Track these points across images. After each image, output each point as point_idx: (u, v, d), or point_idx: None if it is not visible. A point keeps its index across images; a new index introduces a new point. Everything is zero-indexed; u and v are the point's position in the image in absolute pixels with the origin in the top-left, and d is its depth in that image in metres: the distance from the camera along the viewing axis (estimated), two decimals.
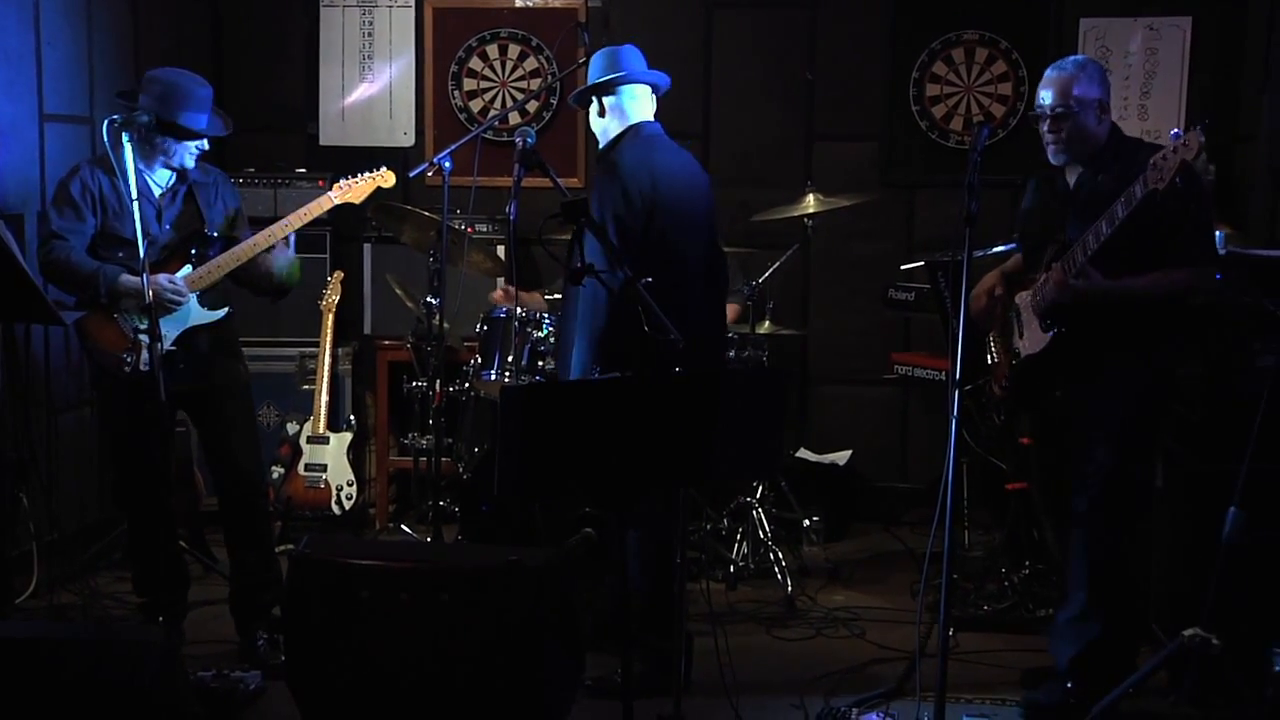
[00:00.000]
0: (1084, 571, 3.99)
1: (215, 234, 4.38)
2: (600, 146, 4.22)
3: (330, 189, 4.58)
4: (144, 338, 4.17)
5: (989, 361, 4.21)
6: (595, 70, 4.21)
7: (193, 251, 4.33)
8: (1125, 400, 3.87)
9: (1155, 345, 3.88)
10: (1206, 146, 3.64)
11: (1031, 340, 3.98)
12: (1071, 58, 3.96)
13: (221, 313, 4.41)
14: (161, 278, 4.21)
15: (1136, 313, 3.83)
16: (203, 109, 4.28)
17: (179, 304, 4.27)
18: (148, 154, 4.28)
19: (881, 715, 3.98)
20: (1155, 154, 3.54)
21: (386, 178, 4.63)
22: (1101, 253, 3.71)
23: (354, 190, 4.57)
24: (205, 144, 4.34)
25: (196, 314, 4.36)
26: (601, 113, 4.18)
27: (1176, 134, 3.54)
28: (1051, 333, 3.89)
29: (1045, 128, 3.87)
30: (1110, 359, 3.87)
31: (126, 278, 4.23)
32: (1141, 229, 3.70)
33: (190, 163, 4.33)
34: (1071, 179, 3.96)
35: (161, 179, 4.36)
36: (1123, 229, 3.64)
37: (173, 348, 4.30)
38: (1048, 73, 3.91)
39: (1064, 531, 4.18)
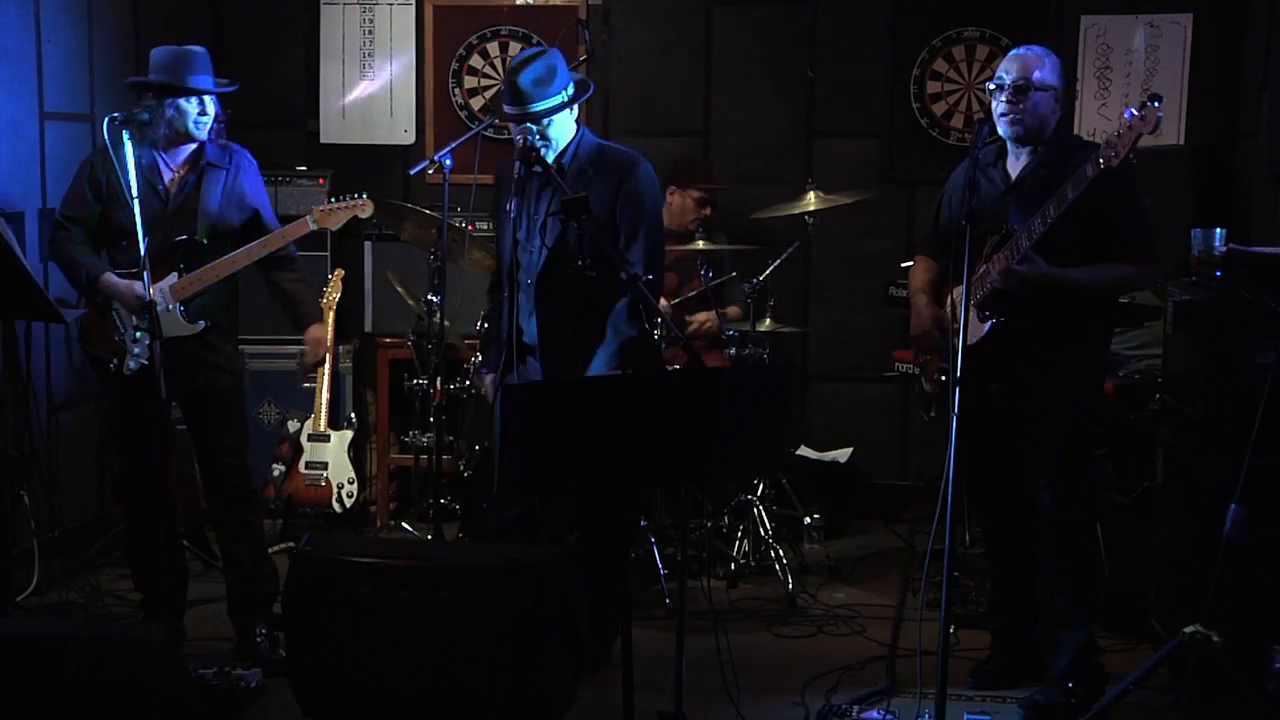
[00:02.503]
0: (1058, 571, 4.02)
1: (206, 240, 4.33)
2: (565, 147, 4.05)
3: (311, 213, 4.49)
4: (130, 342, 4.25)
5: (922, 357, 4.21)
6: (561, 73, 4.01)
7: (181, 264, 4.30)
8: (1070, 391, 3.94)
9: (1092, 334, 3.99)
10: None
11: (970, 331, 3.96)
12: (1037, 45, 4.01)
13: (199, 326, 4.34)
14: (137, 286, 4.11)
15: (1074, 304, 3.89)
16: (205, 70, 4.29)
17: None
18: (158, 136, 4.27)
19: (882, 713, 3.98)
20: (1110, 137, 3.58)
21: (365, 208, 4.57)
22: (1046, 241, 3.75)
23: (332, 216, 4.50)
24: (208, 106, 4.30)
25: (175, 325, 4.28)
26: (574, 113, 4.12)
27: (1131, 112, 3.56)
28: (990, 323, 3.91)
29: (1004, 98, 3.88)
30: (1049, 349, 3.92)
31: (110, 276, 4.26)
32: (1085, 221, 3.76)
33: (200, 132, 4.30)
34: (1015, 169, 3.99)
35: (177, 161, 4.36)
36: (1070, 213, 3.69)
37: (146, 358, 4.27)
38: (1020, 51, 3.94)
39: (998, 530, 4.23)
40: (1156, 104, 3.53)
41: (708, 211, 5.76)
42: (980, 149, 3.78)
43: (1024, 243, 3.78)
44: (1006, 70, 3.91)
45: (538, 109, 3.95)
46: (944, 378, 4.06)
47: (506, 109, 4.01)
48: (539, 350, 4.03)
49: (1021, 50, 3.96)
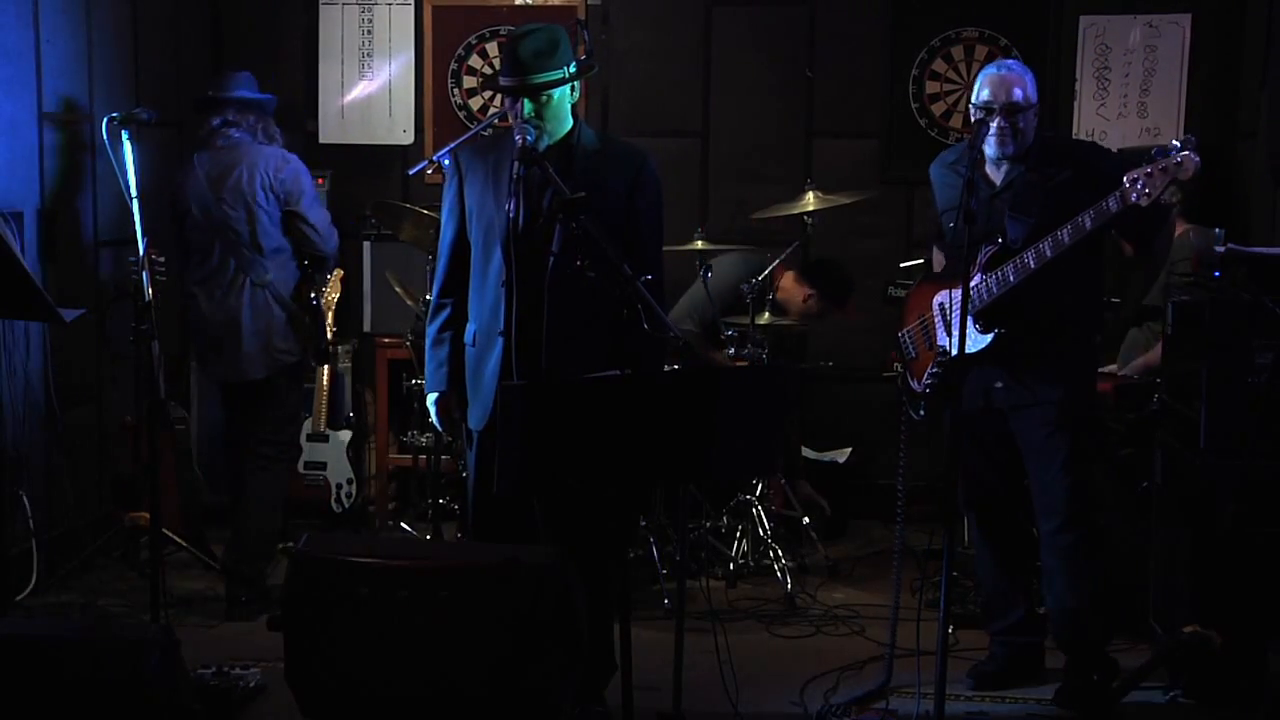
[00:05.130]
0: (1077, 569, 4.05)
1: None
2: (562, 131, 3.76)
3: None
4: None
5: (907, 356, 4.22)
6: (564, 49, 3.71)
7: None
8: (1072, 385, 3.99)
9: (1084, 331, 4.06)
10: (1202, 147, 3.69)
11: (968, 339, 3.96)
12: (1013, 61, 4.08)
13: None
14: None
15: (1065, 304, 3.95)
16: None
17: None
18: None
19: (880, 713, 3.98)
20: (1134, 169, 3.65)
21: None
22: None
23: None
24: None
25: None
26: (573, 96, 3.78)
27: (1175, 147, 3.61)
28: (993, 334, 3.93)
29: (1000, 122, 3.91)
30: (1043, 348, 3.96)
31: None
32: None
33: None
34: (997, 174, 4.03)
35: None
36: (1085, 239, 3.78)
37: None
38: (1000, 72, 3.96)
39: (994, 531, 4.23)
40: (1190, 150, 3.60)
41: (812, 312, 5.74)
42: (978, 150, 3.80)
43: (1031, 263, 3.82)
44: (993, 95, 3.92)
45: (537, 81, 3.66)
46: (932, 379, 4.08)
47: (503, 81, 3.74)
48: (544, 354, 3.74)
49: (999, 70, 3.98)
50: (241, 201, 4.78)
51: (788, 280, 5.66)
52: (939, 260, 4.31)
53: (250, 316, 4.81)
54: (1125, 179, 3.67)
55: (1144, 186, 3.63)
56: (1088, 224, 3.73)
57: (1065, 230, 3.76)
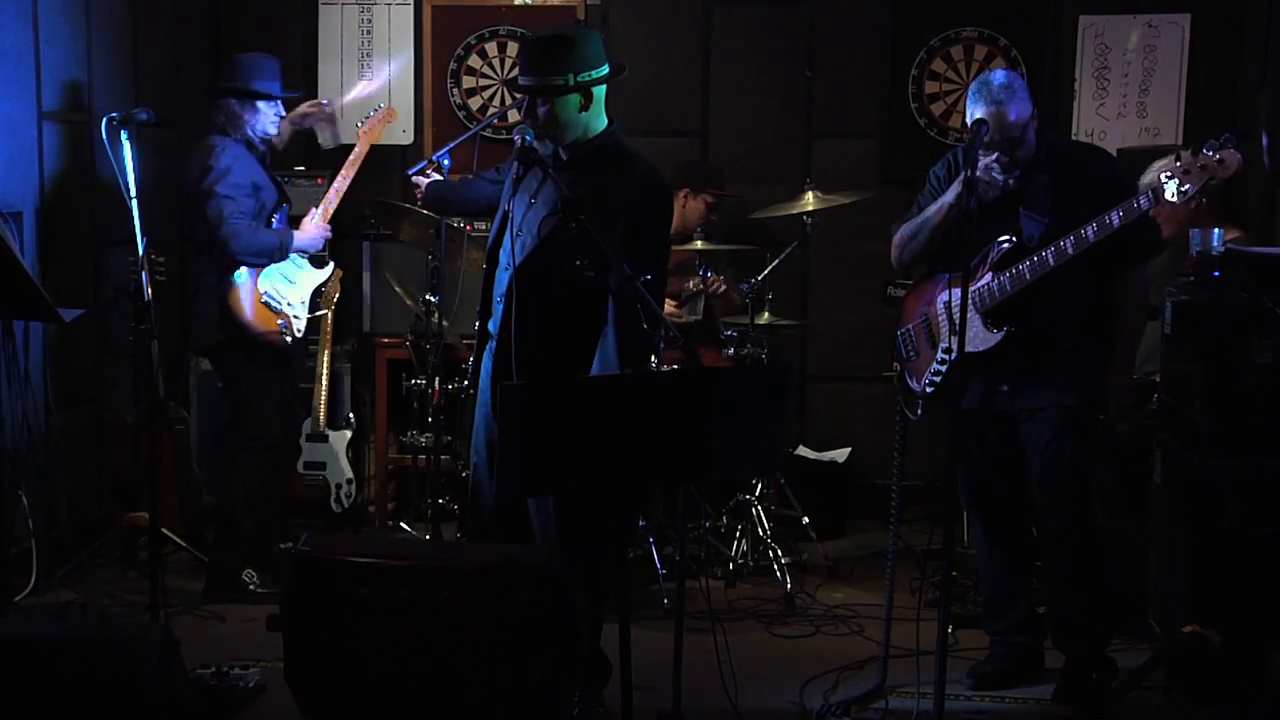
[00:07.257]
0: (1078, 569, 4.06)
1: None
2: (571, 138, 3.74)
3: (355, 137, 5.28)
4: (290, 310, 4.93)
5: (905, 356, 4.22)
6: (589, 54, 3.70)
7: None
8: (1081, 389, 3.98)
9: (1099, 331, 4.02)
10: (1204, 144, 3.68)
11: (976, 338, 3.95)
12: (996, 79, 3.88)
13: (329, 269, 5.29)
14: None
15: (1081, 303, 3.94)
16: (275, 78, 4.97)
17: None
18: (239, 128, 4.90)
19: (880, 713, 3.98)
20: (1163, 165, 3.62)
21: (391, 114, 5.50)
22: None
23: (373, 131, 5.32)
24: (282, 109, 5.04)
25: (315, 276, 5.19)
26: (586, 105, 3.73)
27: (1213, 143, 3.58)
28: (1003, 333, 3.92)
29: (993, 156, 3.88)
30: (1058, 351, 3.95)
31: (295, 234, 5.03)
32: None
33: (273, 130, 4.99)
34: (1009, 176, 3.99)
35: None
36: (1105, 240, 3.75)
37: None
38: (978, 99, 3.85)
39: (996, 531, 4.23)
40: (1231, 148, 3.56)
41: (715, 218, 5.76)
42: (977, 150, 3.79)
43: (1051, 261, 3.80)
44: (985, 123, 3.81)
45: (528, 83, 3.68)
46: (935, 378, 4.08)
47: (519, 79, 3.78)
48: (495, 340, 3.81)
49: (989, 106, 3.83)
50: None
51: (687, 201, 5.67)
52: (899, 240, 4.24)
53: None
54: (1161, 174, 3.65)
55: (1181, 184, 3.61)
56: (1115, 221, 3.70)
57: (1090, 227, 3.73)
